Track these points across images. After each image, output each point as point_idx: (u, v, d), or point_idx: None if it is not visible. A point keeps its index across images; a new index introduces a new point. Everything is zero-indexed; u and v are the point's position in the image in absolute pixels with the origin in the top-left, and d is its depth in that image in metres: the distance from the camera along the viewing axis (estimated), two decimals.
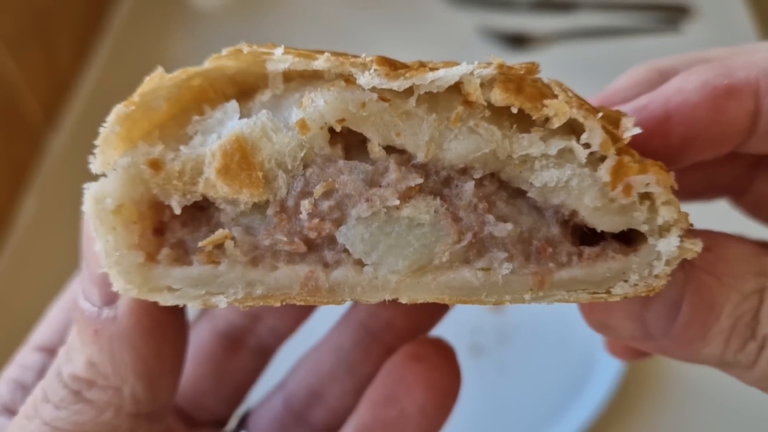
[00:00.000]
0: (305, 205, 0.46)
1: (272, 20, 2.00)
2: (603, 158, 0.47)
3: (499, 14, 2.04)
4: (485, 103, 0.46)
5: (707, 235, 0.52)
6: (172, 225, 0.47)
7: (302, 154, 0.46)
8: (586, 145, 0.46)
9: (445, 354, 0.65)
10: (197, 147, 0.46)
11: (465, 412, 1.29)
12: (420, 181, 0.46)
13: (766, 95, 0.55)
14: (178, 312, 0.55)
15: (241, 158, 0.45)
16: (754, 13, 2.03)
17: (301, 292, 0.47)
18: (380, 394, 0.64)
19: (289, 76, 0.49)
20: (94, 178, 0.45)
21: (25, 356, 0.62)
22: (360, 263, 0.47)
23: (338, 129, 0.46)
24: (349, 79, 0.45)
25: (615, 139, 0.47)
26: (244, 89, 0.51)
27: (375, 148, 0.46)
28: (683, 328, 0.51)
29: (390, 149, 0.47)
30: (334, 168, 0.46)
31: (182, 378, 0.71)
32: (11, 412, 0.58)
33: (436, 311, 0.72)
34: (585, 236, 0.51)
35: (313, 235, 0.46)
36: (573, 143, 0.46)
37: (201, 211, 0.48)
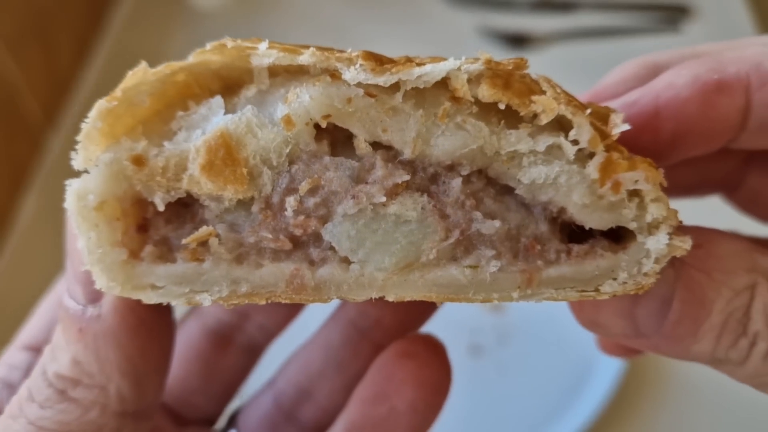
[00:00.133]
0: (290, 201, 0.45)
1: (272, 20, 2.00)
2: (592, 155, 0.46)
3: (499, 14, 2.04)
4: (472, 99, 0.46)
5: (697, 232, 0.52)
6: (156, 222, 0.47)
7: (287, 150, 0.45)
8: (575, 142, 0.46)
9: (435, 351, 0.65)
10: (181, 143, 0.45)
11: (465, 412, 1.30)
12: (407, 177, 0.46)
13: (757, 90, 0.55)
14: (163, 310, 0.54)
15: (225, 154, 0.44)
16: (754, 13, 2.02)
17: (286, 290, 0.46)
18: (370, 392, 0.64)
19: (274, 72, 0.49)
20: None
21: (12, 355, 0.61)
22: (346, 261, 0.47)
23: (324, 125, 0.45)
24: (335, 75, 0.45)
25: (604, 135, 0.47)
26: (230, 85, 0.50)
27: (361, 145, 0.46)
28: (674, 325, 0.50)
29: (376, 145, 0.46)
30: (320, 164, 0.46)
31: (171, 376, 0.71)
32: None
33: (426, 308, 0.72)
34: (574, 234, 0.50)
35: (298, 232, 0.46)
36: (561, 140, 0.46)
37: (185, 208, 0.47)
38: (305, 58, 0.45)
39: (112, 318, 0.50)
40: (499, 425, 1.30)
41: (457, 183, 0.47)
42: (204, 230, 0.45)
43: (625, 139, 0.49)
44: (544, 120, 0.46)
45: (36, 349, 0.61)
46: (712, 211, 0.74)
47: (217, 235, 0.46)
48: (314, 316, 0.75)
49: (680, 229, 0.48)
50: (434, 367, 0.64)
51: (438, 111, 0.46)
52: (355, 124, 0.45)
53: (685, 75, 0.56)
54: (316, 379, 0.72)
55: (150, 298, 0.46)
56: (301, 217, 0.45)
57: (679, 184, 0.72)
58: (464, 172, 0.47)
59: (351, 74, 0.44)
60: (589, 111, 0.46)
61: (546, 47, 1.95)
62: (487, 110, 0.47)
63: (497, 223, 0.47)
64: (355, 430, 0.64)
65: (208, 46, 0.46)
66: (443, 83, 0.46)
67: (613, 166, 0.46)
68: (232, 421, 0.74)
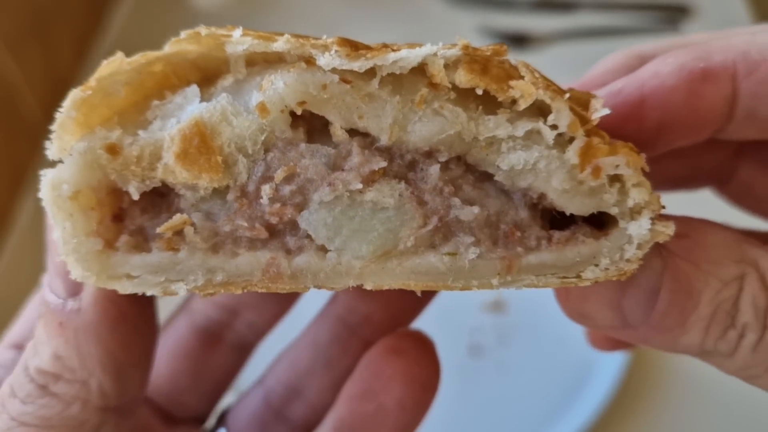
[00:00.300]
0: (266, 189, 0.45)
1: (272, 20, 2.00)
2: (572, 140, 0.46)
3: (500, 14, 2.04)
4: (449, 85, 0.45)
5: (685, 222, 0.51)
6: (132, 212, 0.46)
7: (263, 138, 0.45)
8: (554, 127, 0.46)
9: (424, 347, 0.64)
10: (156, 132, 0.45)
11: (465, 412, 1.30)
12: (384, 164, 0.45)
13: (744, 79, 0.54)
14: (145, 304, 0.54)
15: (200, 142, 0.44)
16: (754, 13, 2.02)
17: (262, 278, 0.46)
18: (358, 389, 0.64)
19: (252, 61, 0.48)
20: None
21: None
22: (323, 249, 0.46)
23: (299, 112, 0.45)
24: (310, 61, 0.45)
25: (584, 120, 0.46)
26: (208, 76, 0.50)
27: (337, 131, 0.45)
28: (662, 316, 0.50)
29: (353, 132, 0.46)
30: (296, 152, 0.45)
31: (160, 374, 0.70)
32: None
33: (416, 304, 0.71)
34: (556, 220, 0.50)
35: (274, 220, 0.45)
36: (540, 125, 0.46)
37: (161, 198, 0.47)
38: (280, 44, 0.44)
39: (92, 311, 0.50)
40: (500, 425, 1.30)
41: (435, 170, 0.46)
42: (177, 218, 0.45)
43: (610, 128, 0.48)
44: (522, 105, 0.45)
45: (22, 348, 0.61)
46: (703, 205, 0.73)
47: (193, 224, 0.45)
48: (305, 314, 0.75)
49: (667, 218, 0.47)
50: (423, 364, 0.63)
51: (415, 97, 0.45)
52: (331, 111, 0.45)
53: (670, 63, 0.55)
54: (305, 376, 0.72)
55: (125, 287, 0.45)
56: (277, 205, 0.45)
57: (670, 176, 0.72)
58: (442, 159, 0.46)
59: (326, 60, 0.44)
60: (568, 96, 0.46)
61: (546, 47, 1.94)
62: (465, 96, 0.46)
63: (476, 210, 0.46)
64: (343, 427, 0.64)
65: (183, 34, 0.45)
66: (421, 70, 0.46)
67: (593, 150, 0.45)
68: (222, 419, 0.74)
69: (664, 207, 0.47)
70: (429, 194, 0.46)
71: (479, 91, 0.45)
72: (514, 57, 0.47)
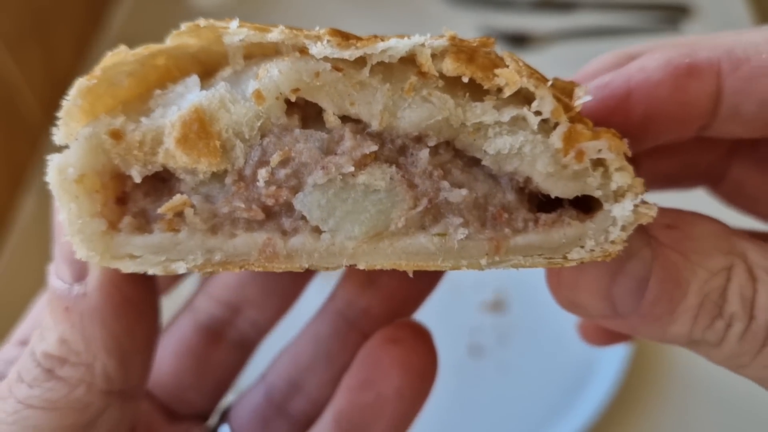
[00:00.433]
0: (262, 173, 0.47)
1: (272, 20, 2.00)
2: (556, 126, 0.48)
3: (500, 14, 2.05)
4: (437, 74, 0.47)
5: (674, 214, 0.52)
6: (135, 195, 0.49)
7: (259, 124, 0.47)
8: (538, 113, 0.47)
9: (421, 337, 0.66)
10: (158, 118, 0.47)
11: (466, 412, 1.31)
12: (374, 148, 0.47)
13: (728, 76, 0.55)
14: (148, 289, 0.56)
15: (199, 128, 0.46)
16: (754, 13, 2.02)
17: (259, 258, 0.48)
18: (357, 379, 0.65)
19: (250, 55, 0.51)
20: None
21: (7, 351, 0.63)
22: (317, 230, 0.48)
23: (293, 99, 0.47)
24: (304, 51, 0.47)
25: (567, 108, 0.48)
26: (208, 70, 0.52)
27: (330, 117, 0.47)
28: (651, 305, 0.51)
29: (346, 119, 0.48)
30: (291, 137, 0.47)
31: (164, 372, 0.71)
32: None
33: (415, 297, 0.73)
34: (544, 205, 0.51)
35: (270, 202, 0.47)
36: (525, 111, 0.47)
37: (163, 183, 0.49)
38: (274, 35, 0.47)
39: (97, 295, 0.51)
40: (500, 425, 1.30)
41: (424, 154, 0.48)
42: (177, 198, 0.47)
43: (597, 120, 0.50)
44: (507, 92, 0.47)
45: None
46: (697, 204, 0.75)
47: (192, 206, 0.47)
48: (306, 312, 0.76)
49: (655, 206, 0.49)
50: (420, 353, 0.64)
51: (404, 85, 0.47)
52: (324, 98, 0.47)
53: (657, 59, 0.57)
54: (306, 371, 0.73)
55: (128, 266, 0.47)
56: (273, 188, 0.47)
57: (663, 175, 0.73)
58: (431, 144, 0.48)
59: (317, 49, 0.46)
60: (551, 83, 0.48)
61: (546, 47, 1.96)
62: (453, 85, 0.48)
63: (464, 192, 0.48)
64: (342, 418, 0.65)
65: (183, 27, 0.48)
66: (411, 60, 0.48)
67: (577, 135, 0.47)
68: (224, 416, 0.75)
69: (647, 190, 0.49)
70: (419, 177, 0.48)
71: (465, 80, 0.47)
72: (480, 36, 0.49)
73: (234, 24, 0.47)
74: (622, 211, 0.48)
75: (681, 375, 1.35)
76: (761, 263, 0.50)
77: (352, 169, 0.47)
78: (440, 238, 0.48)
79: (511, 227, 0.49)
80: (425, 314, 0.72)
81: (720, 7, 2.04)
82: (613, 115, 0.57)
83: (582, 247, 0.49)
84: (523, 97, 0.48)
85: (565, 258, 0.49)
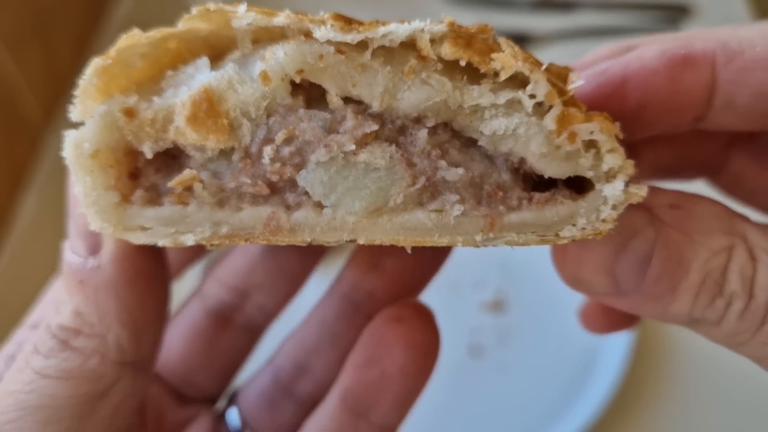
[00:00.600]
0: (268, 150, 0.49)
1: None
2: (551, 109, 0.50)
3: (500, 14, 2.07)
4: (436, 58, 0.50)
5: (677, 194, 0.54)
6: (146, 170, 0.51)
7: (265, 104, 0.49)
8: (533, 96, 0.50)
9: (424, 316, 0.67)
10: (169, 98, 0.50)
11: (466, 412, 1.32)
12: (375, 127, 0.49)
13: (722, 68, 0.57)
14: (159, 264, 0.58)
15: (208, 107, 0.49)
16: (754, 13, 2.04)
17: (263, 231, 0.50)
18: (361, 357, 0.67)
19: (258, 39, 0.53)
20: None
21: (22, 334, 0.64)
22: (319, 205, 0.50)
23: (298, 80, 0.49)
24: (308, 34, 0.49)
25: (561, 92, 0.51)
26: (218, 53, 0.54)
27: (333, 98, 0.50)
28: (653, 283, 0.53)
29: (348, 101, 0.50)
30: (295, 116, 0.50)
31: (173, 355, 0.73)
32: None
33: (419, 280, 0.74)
34: (538, 185, 0.54)
35: (275, 178, 0.50)
36: (520, 94, 0.50)
37: (173, 159, 0.52)
38: (280, 19, 0.49)
39: (111, 268, 0.53)
40: (500, 425, 1.31)
41: (423, 134, 0.50)
42: (187, 173, 0.49)
43: (593, 107, 0.52)
44: (503, 76, 0.49)
45: None
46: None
47: (201, 181, 0.50)
48: (314, 297, 0.78)
49: (660, 192, 0.51)
50: (423, 331, 0.66)
51: (404, 68, 0.50)
52: (327, 80, 0.49)
53: (654, 48, 0.59)
54: (312, 354, 0.74)
55: (139, 238, 0.50)
56: (278, 165, 0.49)
57: (663, 166, 0.75)
58: (429, 124, 0.50)
59: (321, 32, 0.48)
60: (545, 67, 0.50)
61: (546, 47, 1.98)
62: (451, 69, 0.51)
63: (461, 171, 0.50)
64: (348, 396, 0.67)
65: (194, 11, 0.50)
66: (411, 45, 0.50)
67: (569, 117, 0.49)
68: (233, 399, 0.77)
69: (637, 171, 0.51)
70: (417, 156, 0.50)
71: (463, 63, 0.49)
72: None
73: (242, 8, 0.49)
74: (612, 190, 0.50)
75: (682, 375, 1.36)
76: (761, 244, 0.52)
77: (354, 147, 0.49)
78: (437, 215, 0.50)
79: (506, 205, 0.51)
80: None
81: (720, 7, 2.06)
82: (609, 102, 0.59)
83: (574, 225, 0.51)
84: (519, 81, 0.50)
85: (557, 236, 0.51)
